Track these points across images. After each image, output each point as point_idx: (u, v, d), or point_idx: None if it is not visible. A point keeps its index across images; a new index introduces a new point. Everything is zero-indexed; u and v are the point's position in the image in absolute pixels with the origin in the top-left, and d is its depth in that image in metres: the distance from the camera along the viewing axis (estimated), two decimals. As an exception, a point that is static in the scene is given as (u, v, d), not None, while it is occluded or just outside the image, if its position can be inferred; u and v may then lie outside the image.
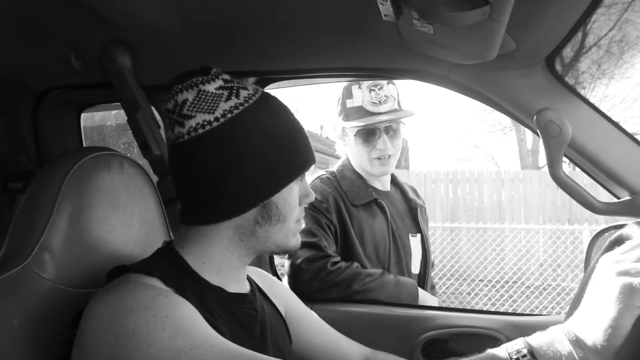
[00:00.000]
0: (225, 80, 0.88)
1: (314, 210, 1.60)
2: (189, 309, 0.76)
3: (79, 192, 0.93)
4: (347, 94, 1.68)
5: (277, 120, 0.89)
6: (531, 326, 1.39)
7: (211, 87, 0.86)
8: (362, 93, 1.65)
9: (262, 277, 1.13)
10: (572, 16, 0.91)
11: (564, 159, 1.11)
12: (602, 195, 1.16)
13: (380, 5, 0.85)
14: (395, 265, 1.66)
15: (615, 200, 1.14)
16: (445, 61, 1.15)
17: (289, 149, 0.89)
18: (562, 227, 7.22)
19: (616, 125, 1.11)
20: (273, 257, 1.67)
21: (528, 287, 6.91)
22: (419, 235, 1.76)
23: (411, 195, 1.83)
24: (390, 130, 1.66)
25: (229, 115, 0.84)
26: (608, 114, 1.10)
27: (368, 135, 1.66)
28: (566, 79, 1.11)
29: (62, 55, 1.26)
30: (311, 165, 0.93)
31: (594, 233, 1.36)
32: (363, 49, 1.20)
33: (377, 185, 1.75)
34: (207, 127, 0.83)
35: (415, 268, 1.74)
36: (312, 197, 0.96)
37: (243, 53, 1.26)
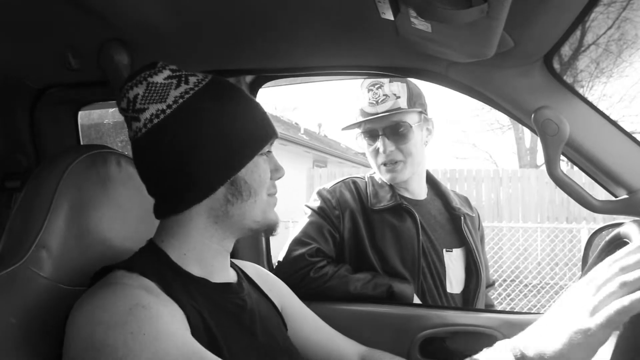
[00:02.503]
0: (172, 70, 0.90)
1: (321, 216, 1.55)
2: (167, 322, 0.74)
3: (76, 190, 0.93)
4: (355, 97, 1.61)
5: (229, 99, 0.91)
6: (529, 324, 1.39)
7: (159, 78, 0.88)
8: (363, 94, 1.56)
9: (257, 272, 1.13)
10: (570, 14, 0.91)
11: (562, 157, 1.11)
12: (600, 194, 1.16)
13: (377, 3, 0.85)
14: (429, 281, 1.53)
15: (613, 198, 1.14)
16: (443, 59, 1.15)
17: (246, 124, 0.90)
18: (560, 225, 7.26)
19: (614, 123, 1.11)
20: (270, 254, 1.66)
21: (526, 285, 6.93)
22: (457, 250, 1.60)
23: (455, 203, 1.67)
24: (390, 132, 1.53)
25: (181, 101, 0.86)
26: (606, 112, 1.10)
27: (370, 139, 1.58)
28: (564, 77, 1.11)
29: (60, 54, 1.26)
30: (273, 138, 0.95)
31: (592, 231, 1.36)
32: (360, 47, 1.19)
33: (406, 194, 1.62)
34: (162, 116, 0.85)
35: (454, 287, 1.58)
36: (283, 171, 0.97)
37: (240, 51, 1.26)
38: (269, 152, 0.96)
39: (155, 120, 0.85)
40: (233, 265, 1.04)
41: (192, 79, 0.89)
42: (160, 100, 0.86)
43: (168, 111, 0.85)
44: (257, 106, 0.95)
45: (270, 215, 0.95)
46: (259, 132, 0.92)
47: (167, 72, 0.89)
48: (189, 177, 0.86)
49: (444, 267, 1.56)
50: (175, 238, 0.89)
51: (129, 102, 0.87)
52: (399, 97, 1.53)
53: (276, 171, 0.96)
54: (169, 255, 0.88)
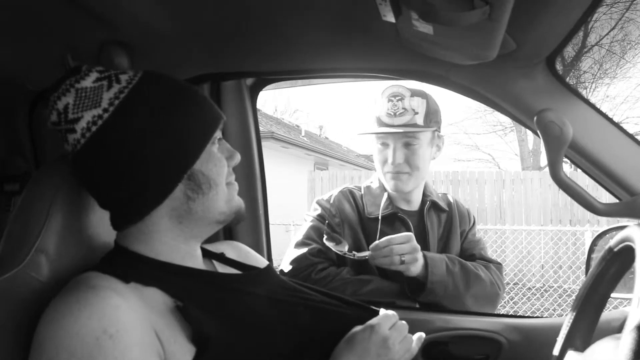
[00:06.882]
0: (100, 72, 0.86)
1: (322, 222, 1.58)
2: (135, 356, 0.70)
3: (75, 195, 0.92)
4: (374, 102, 1.62)
5: (168, 91, 0.86)
6: (532, 328, 1.38)
7: (87, 83, 0.83)
8: (382, 102, 1.58)
9: (237, 251, 1.11)
10: (573, 15, 0.91)
11: (565, 160, 1.11)
12: (604, 197, 1.15)
13: (379, 5, 0.85)
14: None
15: (617, 201, 1.13)
16: (445, 61, 1.15)
17: (190, 114, 0.86)
18: (564, 228, 7.24)
19: (617, 125, 1.10)
20: (271, 258, 1.66)
21: (529, 288, 6.91)
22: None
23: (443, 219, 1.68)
24: (401, 145, 1.56)
25: (117, 102, 0.82)
26: (609, 114, 1.10)
27: (382, 146, 1.60)
28: (567, 79, 1.12)
29: (59, 56, 1.26)
30: (220, 123, 0.90)
31: (596, 234, 1.36)
32: (362, 49, 1.19)
33: (402, 205, 1.65)
34: (99, 122, 0.81)
35: None
36: (238, 156, 0.93)
37: (241, 53, 1.25)
38: (219, 139, 0.91)
39: (94, 128, 0.80)
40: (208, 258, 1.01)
41: (124, 77, 0.85)
42: (94, 105, 0.81)
43: (105, 115, 0.81)
44: (198, 92, 0.90)
45: (235, 203, 0.91)
46: (207, 119, 0.87)
47: (94, 75, 0.84)
48: (143, 180, 0.82)
49: None
50: (139, 243, 0.86)
51: (60, 114, 0.83)
52: (417, 113, 1.54)
53: (231, 157, 0.91)
54: (139, 253, 0.85)
